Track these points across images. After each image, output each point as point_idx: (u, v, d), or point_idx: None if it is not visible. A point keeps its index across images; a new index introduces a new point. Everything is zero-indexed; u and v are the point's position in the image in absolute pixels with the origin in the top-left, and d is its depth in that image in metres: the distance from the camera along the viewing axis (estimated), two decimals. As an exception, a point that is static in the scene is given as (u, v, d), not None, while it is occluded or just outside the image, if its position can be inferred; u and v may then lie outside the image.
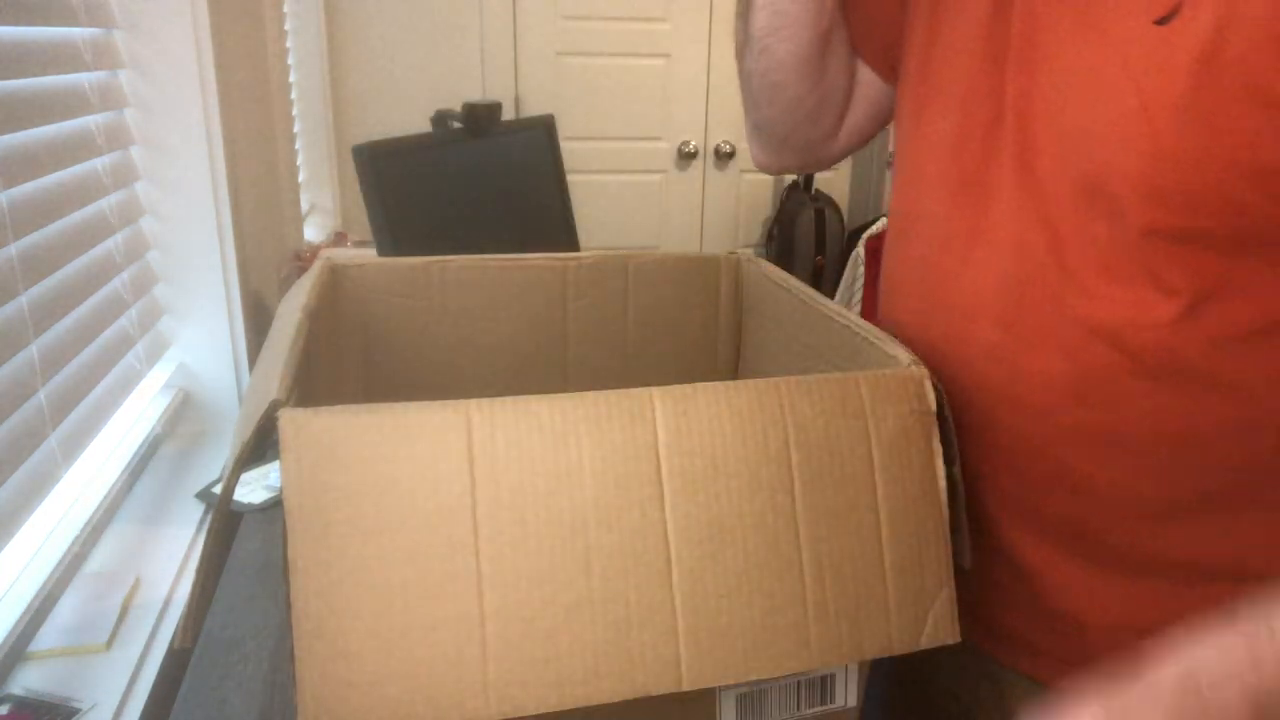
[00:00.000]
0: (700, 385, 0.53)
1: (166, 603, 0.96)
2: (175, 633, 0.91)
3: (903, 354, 0.61)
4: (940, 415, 0.58)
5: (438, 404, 0.49)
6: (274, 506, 1.11)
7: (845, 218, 2.88)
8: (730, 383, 0.54)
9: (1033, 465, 0.64)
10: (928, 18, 0.72)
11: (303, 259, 1.76)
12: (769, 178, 2.87)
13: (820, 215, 2.77)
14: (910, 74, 0.75)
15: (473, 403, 0.50)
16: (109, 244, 1.14)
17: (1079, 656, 0.67)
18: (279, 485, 1.16)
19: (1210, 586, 0.63)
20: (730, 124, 2.78)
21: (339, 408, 0.49)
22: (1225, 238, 0.55)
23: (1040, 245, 0.61)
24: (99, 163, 1.12)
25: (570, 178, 1.75)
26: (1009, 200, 0.63)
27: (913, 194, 0.73)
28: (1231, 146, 0.53)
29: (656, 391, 0.52)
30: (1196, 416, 0.59)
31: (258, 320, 1.40)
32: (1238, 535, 0.62)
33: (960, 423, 0.65)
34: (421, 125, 1.54)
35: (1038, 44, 0.62)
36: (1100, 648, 0.66)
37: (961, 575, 0.69)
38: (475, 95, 2.55)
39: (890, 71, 0.81)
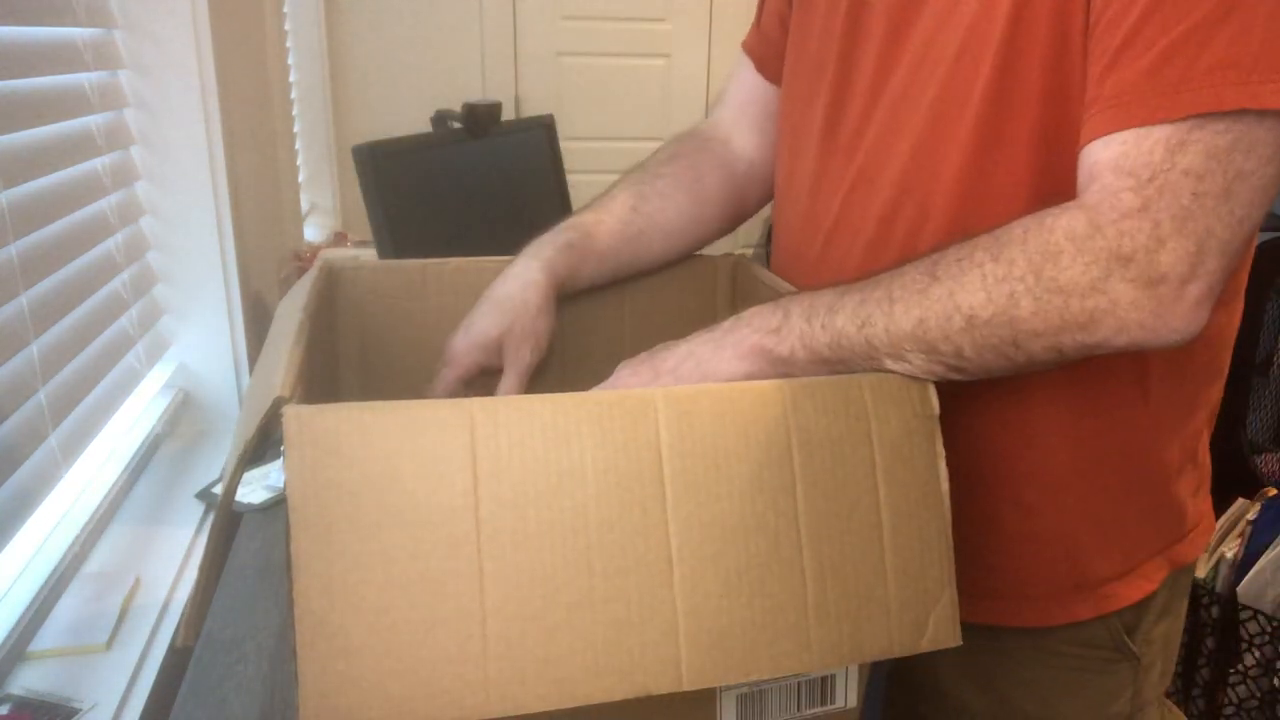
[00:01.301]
0: (703, 387, 0.53)
1: (166, 603, 0.96)
2: (176, 631, 0.91)
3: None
4: (942, 418, 0.58)
5: (441, 402, 0.50)
6: (274, 506, 1.11)
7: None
8: (733, 384, 0.54)
9: None
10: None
11: (303, 259, 1.76)
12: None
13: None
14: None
15: (476, 401, 0.50)
16: (109, 244, 1.14)
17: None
18: (279, 485, 1.17)
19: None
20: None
21: (343, 405, 0.49)
22: None
23: None
24: (99, 163, 1.12)
25: (570, 178, 1.75)
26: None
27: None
28: None
29: (659, 392, 0.52)
30: None
31: (258, 320, 1.40)
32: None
33: None
34: (421, 125, 1.54)
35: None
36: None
37: None
38: (475, 95, 2.55)
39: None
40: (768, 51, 0.88)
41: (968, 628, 0.70)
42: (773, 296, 0.85)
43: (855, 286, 0.61)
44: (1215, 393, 0.75)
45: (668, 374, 0.64)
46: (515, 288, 0.77)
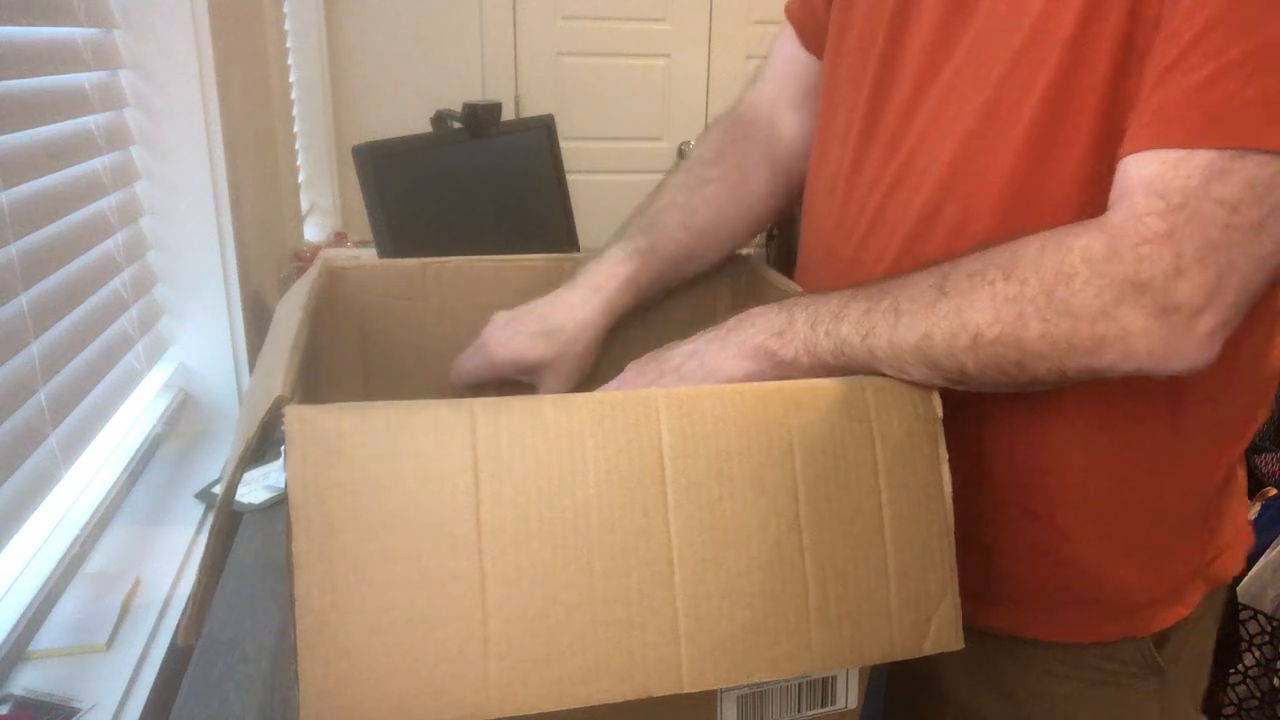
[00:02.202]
0: (705, 388, 0.53)
1: (166, 603, 0.96)
2: (176, 631, 0.91)
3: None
4: (945, 420, 0.58)
5: (443, 402, 0.50)
6: (274, 506, 1.11)
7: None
8: (735, 385, 0.54)
9: None
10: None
11: (303, 259, 1.76)
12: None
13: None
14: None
15: (477, 401, 0.50)
16: (109, 244, 1.14)
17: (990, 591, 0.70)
18: (279, 485, 1.17)
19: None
20: (730, 125, 2.78)
21: (345, 404, 0.49)
22: None
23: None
24: (99, 163, 1.12)
25: (570, 178, 1.75)
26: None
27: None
28: None
29: (661, 393, 0.52)
30: None
31: (258, 320, 1.39)
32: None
33: None
34: (421, 125, 1.54)
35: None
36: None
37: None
38: (475, 95, 2.55)
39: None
40: (811, 20, 0.83)
41: (984, 634, 0.69)
42: (777, 295, 0.85)
43: (862, 293, 0.60)
44: (1259, 420, 0.72)
45: (672, 372, 0.63)
46: (572, 324, 0.76)
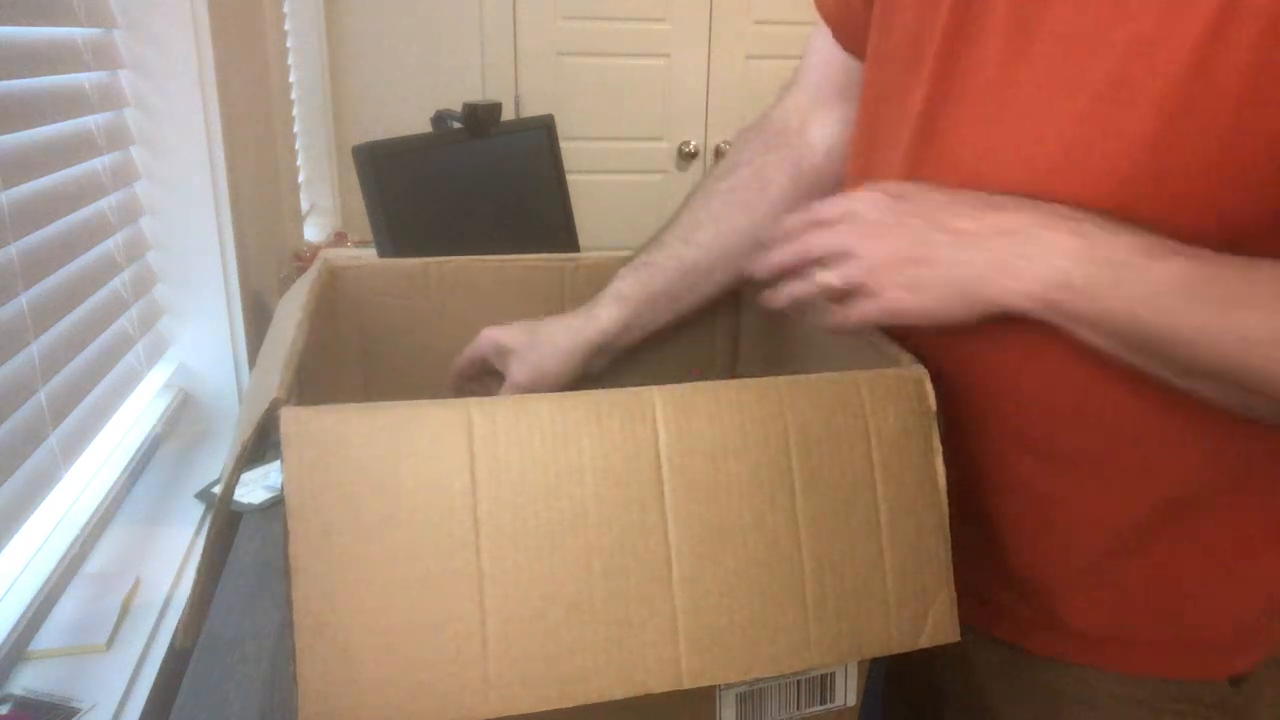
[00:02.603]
0: (700, 385, 0.53)
1: (166, 603, 0.96)
2: (175, 632, 0.91)
3: (902, 354, 0.61)
4: (939, 416, 0.58)
5: (439, 402, 0.50)
6: (274, 506, 1.11)
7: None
8: (730, 382, 0.54)
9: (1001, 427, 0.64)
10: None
11: (303, 259, 1.76)
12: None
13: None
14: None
15: (474, 401, 0.50)
16: (109, 244, 1.14)
17: (1039, 618, 0.67)
18: (279, 485, 1.16)
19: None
20: (730, 124, 2.78)
21: (341, 406, 0.49)
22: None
23: None
24: (99, 163, 1.12)
25: (570, 178, 1.75)
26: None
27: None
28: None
29: (657, 390, 0.52)
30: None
31: (258, 320, 1.40)
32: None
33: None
34: (421, 125, 1.54)
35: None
36: (1072, 611, 0.66)
37: None
38: (475, 95, 2.55)
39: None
40: (847, 17, 0.76)
41: (1028, 656, 0.67)
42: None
43: (1207, 273, 0.52)
44: None
45: (947, 235, 0.56)
46: (559, 327, 0.77)
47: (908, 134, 0.65)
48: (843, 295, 0.59)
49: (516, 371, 0.76)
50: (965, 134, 0.61)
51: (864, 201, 0.59)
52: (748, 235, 0.78)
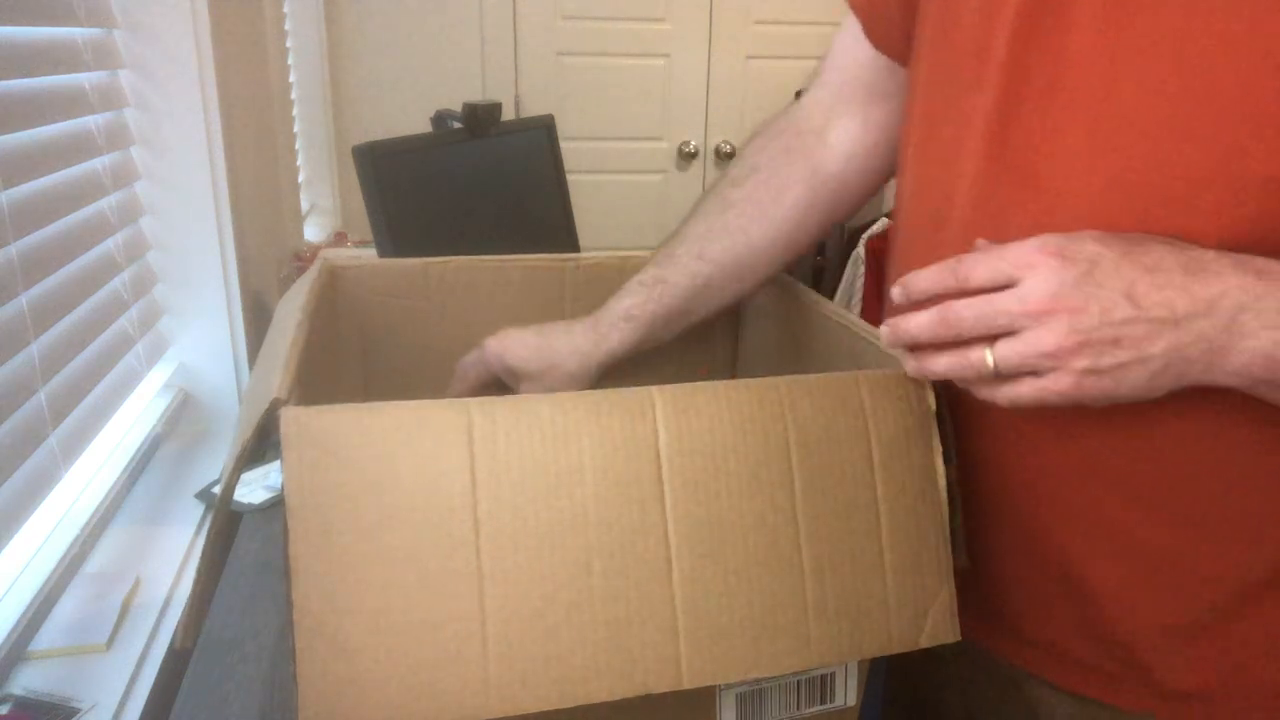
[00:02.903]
0: (700, 384, 0.53)
1: (166, 603, 0.96)
2: (175, 633, 0.91)
3: (902, 354, 0.61)
4: (939, 416, 0.58)
5: (439, 402, 0.50)
6: (274, 506, 1.11)
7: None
8: (731, 382, 0.54)
9: (1094, 472, 0.58)
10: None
11: (303, 259, 1.76)
12: (769, 178, 2.87)
13: (820, 215, 2.77)
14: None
15: (474, 401, 0.50)
16: (109, 244, 1.14)
17: (1129, 674, 0.62)
18: (279, 485, 1.16)
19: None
20: (730, 124, 2.78)
21: (341, 406, 0.49)
22: None
23: None
24: (99, 163, 1.12)
25: (570, 178, 1.75)
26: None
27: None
28: None
29: (657, 390, 0.52)
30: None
31: (258, 320, 1.40)
32: None
33: (1021, 430, 0.60)
34: (421, 125, 1.54)
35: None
36: (1153, 665, 0.61)
37: (1001, 582, 0.66)
38: (475, 95, 2.55)
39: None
40: (879, 11, 0.72)
41: (1109, 709, 0.62)
42: (778, 293, 0.84)
43: None
44: None
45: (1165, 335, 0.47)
46: (567, 345, 0.75)
47: (974, 148, 0.59)
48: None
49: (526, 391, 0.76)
50: (1049, 148, 0.54)
51: (1033, 270, 0.49)
52: (761, 248, 0.77)
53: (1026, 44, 0.55)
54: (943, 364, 0.53)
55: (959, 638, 0.56)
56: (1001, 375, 0.51)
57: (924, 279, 0.54)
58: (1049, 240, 0.49)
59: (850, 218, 0.78)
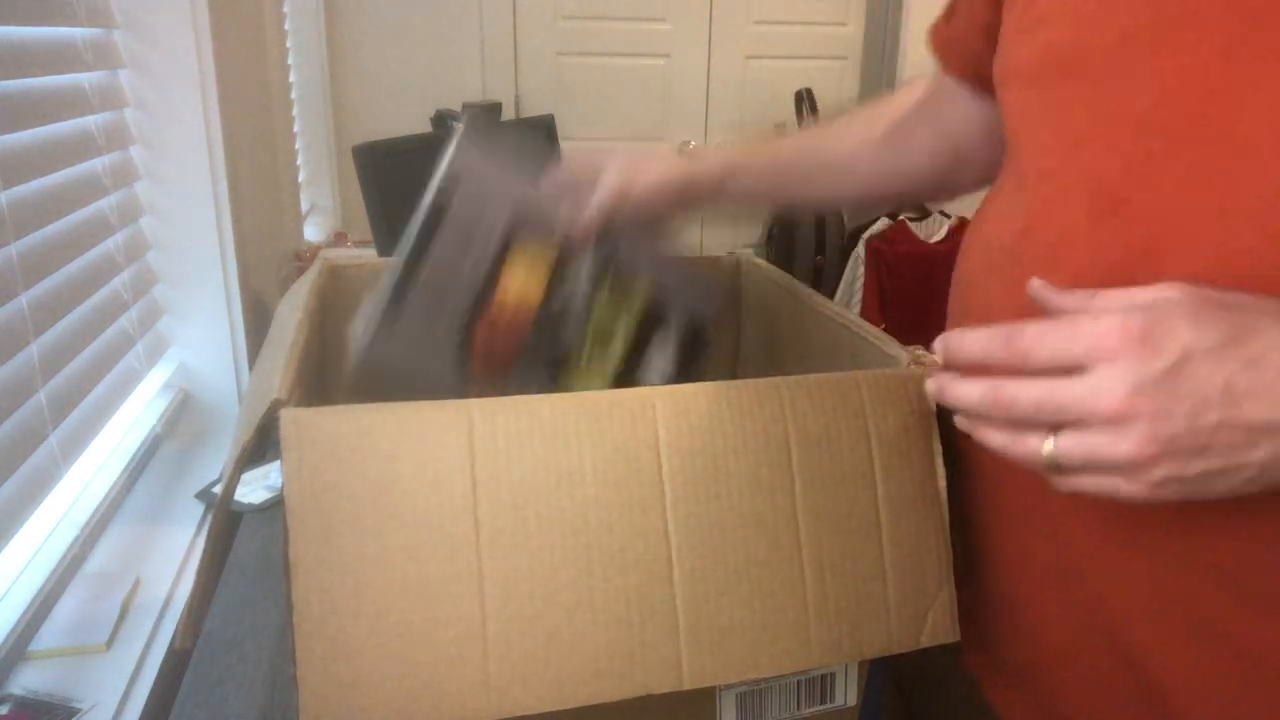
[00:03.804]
0: (700, 385, 0.53)
1: (166, 603, 0.96)
2: (175, 633, 0.91)
3: (902, 354, 0.61)
4: (939, 416, 0.58)
5: (439, 403, 0.50)
6: (274, 506, 1.11)
7: (845, 218, 2.88)
8: (731, 383, 0.54)
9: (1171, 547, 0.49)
10: None
11: (303, 259, 1.76)
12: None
13: (820, 215, 2.77)
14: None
15: (474, 402, 0.50)
16: (109, 244, 1.14)
17: None
18: (279, 485, 1.16)
19: None
20: (730, 124, 2.78)
21: (341, 407, 0.49)
22: None
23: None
24: (99, 163, 1.12)
25: (570, 178, 1.75)
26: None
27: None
28: None
29: (657, 391, 0.52)
30: None
31: (258, 320, 1.40)
32: None
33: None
34: (421, 125, 1.54)
35: None
36: None
37: (1050, 653, 0.57)
38: (475, 95, 2.55)
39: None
40: (962, 49, 0.68)
41: None
42: (778, 294, 0.84)
43: None
44: None
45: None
46: (652, 175, 0.72)
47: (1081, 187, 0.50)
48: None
49: (610, 178, 0.72)
50: (1168, 184, 0.46)
51: (1110, 361, 0.40)
52: (864, 153, 0.75)
53: (1128, 62, 0.48)
54: (996, 441, 0.45)
55: (958, 638, 0.56)
56: (1063, 469, 0.43)
57: (971, 345, 0.45)
58: (1133, 319, 0.40)
59: (965, 192, 0.74)
